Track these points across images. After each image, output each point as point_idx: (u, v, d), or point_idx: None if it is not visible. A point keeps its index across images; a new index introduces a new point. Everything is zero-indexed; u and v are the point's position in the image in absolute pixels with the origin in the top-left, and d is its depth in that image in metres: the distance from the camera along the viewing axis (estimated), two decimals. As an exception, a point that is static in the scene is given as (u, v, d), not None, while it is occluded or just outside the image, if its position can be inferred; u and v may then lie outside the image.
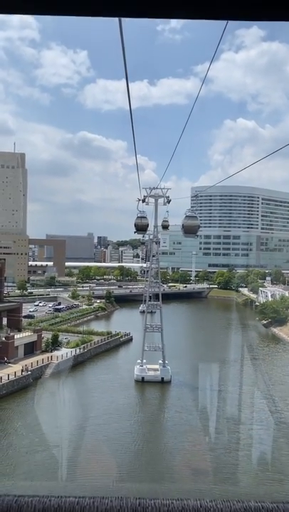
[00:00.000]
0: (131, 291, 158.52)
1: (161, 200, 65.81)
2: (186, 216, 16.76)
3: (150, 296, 72.42)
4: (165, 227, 58.13)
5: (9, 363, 60.45)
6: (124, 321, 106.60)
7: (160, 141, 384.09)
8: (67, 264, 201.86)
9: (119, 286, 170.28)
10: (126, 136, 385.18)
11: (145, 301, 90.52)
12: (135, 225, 34.32)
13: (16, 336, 64.77)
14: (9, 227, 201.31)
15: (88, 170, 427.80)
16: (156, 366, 62.71)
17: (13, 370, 56.34)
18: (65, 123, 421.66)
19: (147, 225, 36.24)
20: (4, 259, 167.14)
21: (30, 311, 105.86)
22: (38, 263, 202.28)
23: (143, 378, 60.20)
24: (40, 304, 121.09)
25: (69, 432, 42.79)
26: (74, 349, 69.88)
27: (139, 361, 62.72)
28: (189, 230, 16.96)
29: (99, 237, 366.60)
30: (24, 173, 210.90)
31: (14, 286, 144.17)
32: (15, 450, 40.32)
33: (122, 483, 32.38)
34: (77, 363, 67.04)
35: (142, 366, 61.63)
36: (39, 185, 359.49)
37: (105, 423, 46.56)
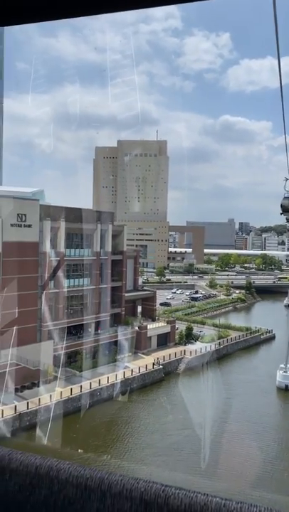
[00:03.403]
0: (275, 282, 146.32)
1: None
2: None
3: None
4: None
5: (142, 353, 58.96)
6: (266, 316, 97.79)
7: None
8: (206, 251, 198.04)
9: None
10: (271, 116, 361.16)
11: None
12: (281, 206, 28.26)
13: (149, 326, 63.02)
14: (151, 214, 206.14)
15: (230, 154, 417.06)
16: (304, 373, 53.92)
17: (144, 363, 54.42)
18: (206, 109, 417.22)
19: (296, 207, 29.42)
20: (146, 246, 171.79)
21: (167, 299, 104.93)
22: (178, 250, 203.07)
23: (287, 386, 52.27)
24: (178, 292, 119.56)
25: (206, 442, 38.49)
26: (209, 344, 65.23)
27: (282, 366, 54.77)
28: None
29: (240, 223, 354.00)
30: (166, 160, 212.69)
31: (154, 272, 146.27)
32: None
33: None
34: (212, 360, 62.16)
35: (285, 372, 53.58)
36: (180, 173, 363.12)
37: (244, 433, 41.11)
